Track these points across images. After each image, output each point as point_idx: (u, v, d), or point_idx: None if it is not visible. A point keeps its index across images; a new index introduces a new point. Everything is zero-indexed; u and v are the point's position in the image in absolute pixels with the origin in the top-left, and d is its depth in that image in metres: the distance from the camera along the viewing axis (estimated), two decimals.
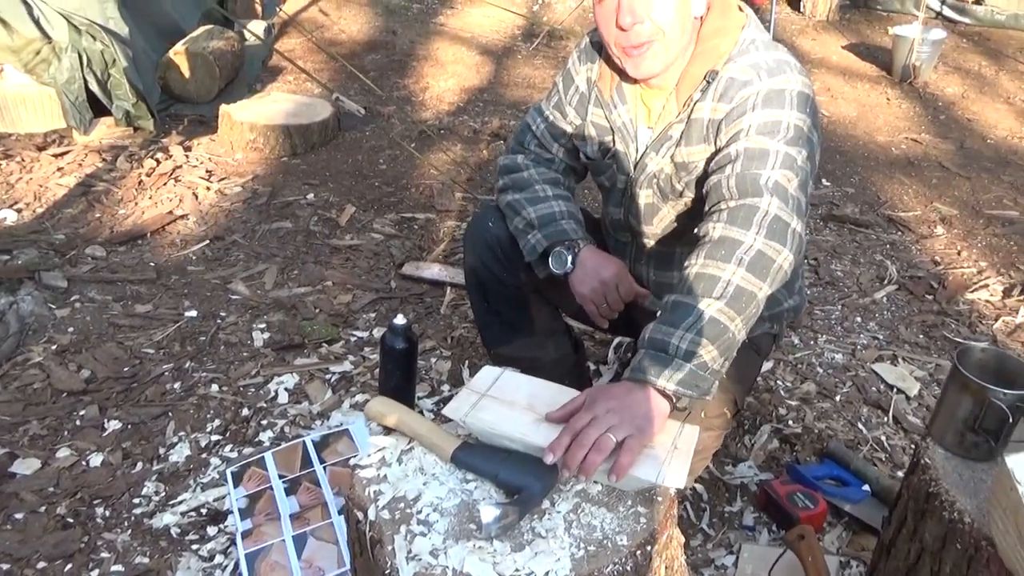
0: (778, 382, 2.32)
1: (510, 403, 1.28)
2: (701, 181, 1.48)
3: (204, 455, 1.95)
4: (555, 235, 1.59)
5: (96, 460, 1.90)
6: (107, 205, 3.08)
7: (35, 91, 3.51)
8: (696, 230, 1.37)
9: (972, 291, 2.89)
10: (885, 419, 2.19)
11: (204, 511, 1.78)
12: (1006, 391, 1.19)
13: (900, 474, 1.99)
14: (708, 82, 1.44)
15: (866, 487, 1.88)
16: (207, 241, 2.90)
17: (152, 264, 2.74)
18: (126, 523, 1.75)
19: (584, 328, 2.20)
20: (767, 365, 2.35)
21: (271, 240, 2.94)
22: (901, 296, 2.85)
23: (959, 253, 3.18)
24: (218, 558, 1.68)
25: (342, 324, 2.48)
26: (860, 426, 2.16)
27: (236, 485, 1.81)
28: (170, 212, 3.06)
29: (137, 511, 1.78)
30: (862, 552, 1.75)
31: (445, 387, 2.22)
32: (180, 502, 1.80)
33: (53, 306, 2.46)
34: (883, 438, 2.12)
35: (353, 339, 2.41)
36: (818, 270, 2.98)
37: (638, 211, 1.61)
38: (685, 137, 1.48)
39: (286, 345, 2.35)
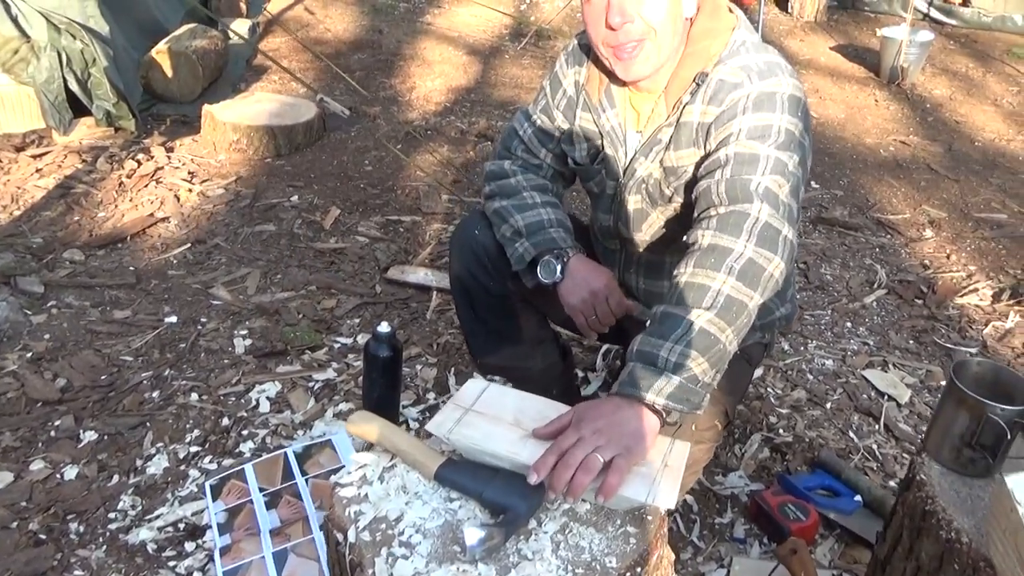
0: (768, 389, 2.29)
1: (496, 418, 1.24)
2: (691, 186, 1.45)
3: (182, 467, 1.89)
4: (543, 243, 1.55)
5: (71, 473, 1.85)
6: (86, 207, 3.02)
7: (13, 91, 3.44)
8: (685, 237, 1.33)
9: (962, 295, 2.87)
10: (876, 427, 2.17)
11: (182, 526, 1.73)
12: (1004, 407, 1.16)
13: (892, 483, 1.97)
14: (698, 84, 1.41)
15: (858, 497, 1.85)
16: (188, 244, 2.84)
17: (132, 268, 2.68)
18: (101, 539, 1.70)
19: (572, 335, 2.17)
20: (757, 372, 2.32)
21: (254, 243, 2.88)
22: (891, 301, 2.83)
23: (948, 257, 3.16)
24: (196, 575, 1.63)
25: (326, 330, 2.43)
26: (851, 434, 2.13)
27: (215, 498, 1.76)
28: (151, 215, 3.00)
29: (112, 526, 1.73)
30: (854, 564, 1.73)
31: (431, 395, 2.18)
32: (157, 517, 1.75)
33: (29, 312, 2.40)
34: (874, 446, 2.09)
35: (337, 346, 2.36)
36: (808, 274, 2.95)
37: (627, 217, 1.58)
38: (674, 141, 1.45)
39: (268, 352, 2.30)
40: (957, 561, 1.12)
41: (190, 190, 3.19)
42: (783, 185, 1.30)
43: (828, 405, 2.24)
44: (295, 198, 3.22)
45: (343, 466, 1.80)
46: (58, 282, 2.56)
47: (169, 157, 3.44)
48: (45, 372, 2.16)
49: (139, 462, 1.90)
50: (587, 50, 1.54)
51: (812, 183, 3.71)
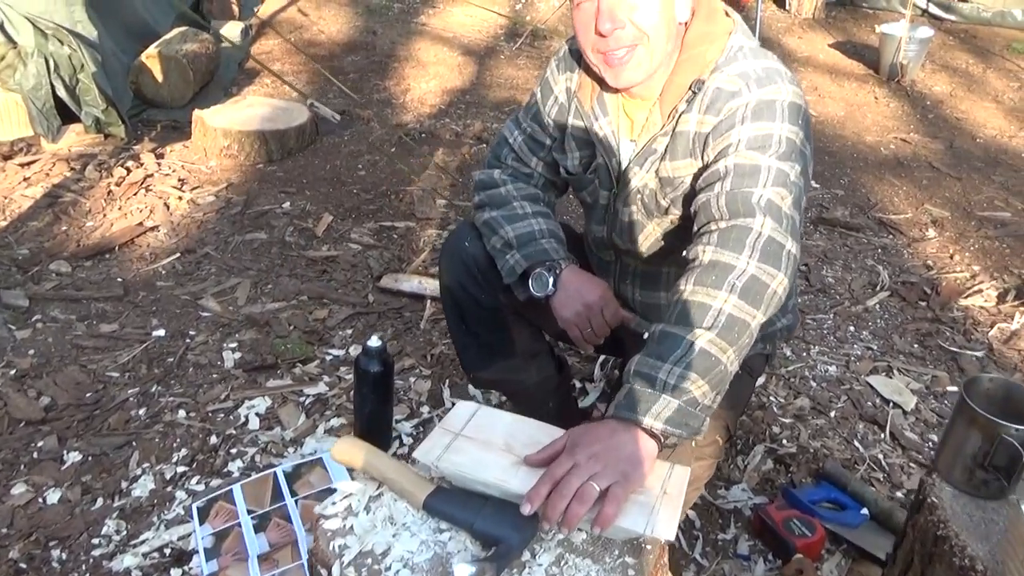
0: (771, 398, 2.24)
1: (486, 443, 1.19)
2: (688, 198, 1.39)
3: (169, 488, 1.84)
4: (535, 255, 1.50)
5: (54, 497, 1.80)
6: (74, 217, 2.96)
7: (1, 98, 3.38)
8: (685, 253, 1.28)
9: (966, 297, 2.82)
10: (882, 436, 2.12)
11: (168, 551, 1.68)
12: (1018, 427, 1.11)
13: (899, 494, 1.92)
14: (694, 92, 1.35)
15: (864, 510, 1.80)
16: (178, 254, 2.79)
17: (119, 280, 2.62)
18: (84, 567, 1.64)
19: (568, 346, 2.11)
20: (759, 380, 2.26)
21: (244, 252, 2.83)
22: (894, 303, 2.78)
23: (952, 257, 3.11)
24: None
25: (317, 342, 2.38)
26: (856, 443, 2.08)
27: (202, 522, 1.71)
28: (140, 224, 2.95)
29: (96, 552, 1.67)
30: None
31: (425, 409, 2.12)
32: (142, 542, 1.69)
33: (13, 327, 2.35)
34: (880, 456, 2.04)
35: (328, 358, 2.31)
36: (809, 276, 2.90)
37: (622, 228, 1.52)
38: (670, 151, 1.39)
39: (258, 366, 2.25)
40: None
41: (180, 198, 3.14)
42: (785, 197, 1.24)
43: (832, 413, 2.19)
44: (287, 204, 3.16)
45: (334, 487, 1.75)
46: (44, 295, 2.50)
47: (159, 164, 3.39)
48: (29, 390, 2.10)
49: (124, 484, 1.84)
50: (578, 56, 1.48)
51: (812, 183, 3.65)
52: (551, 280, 1.49)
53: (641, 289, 1.61)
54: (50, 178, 3.20)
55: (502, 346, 1.70)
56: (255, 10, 5.19)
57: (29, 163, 3.29)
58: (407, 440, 2.01)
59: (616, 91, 1.43)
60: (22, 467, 1.88)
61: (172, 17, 4.36)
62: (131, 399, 2.10)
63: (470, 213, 1.67)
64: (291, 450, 1.96)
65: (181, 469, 1.89)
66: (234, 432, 2.01)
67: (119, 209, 3.03)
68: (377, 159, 3.61)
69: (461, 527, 1.10)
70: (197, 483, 1.86)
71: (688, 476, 1.14)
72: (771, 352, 1.70)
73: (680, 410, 1.11)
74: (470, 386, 2.14)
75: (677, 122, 1.37)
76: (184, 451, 1.94)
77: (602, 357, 2.28)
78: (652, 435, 1.11)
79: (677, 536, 1.74)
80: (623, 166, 1.47)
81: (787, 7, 6.10)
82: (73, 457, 1.91)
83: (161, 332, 2.38)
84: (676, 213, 1.45)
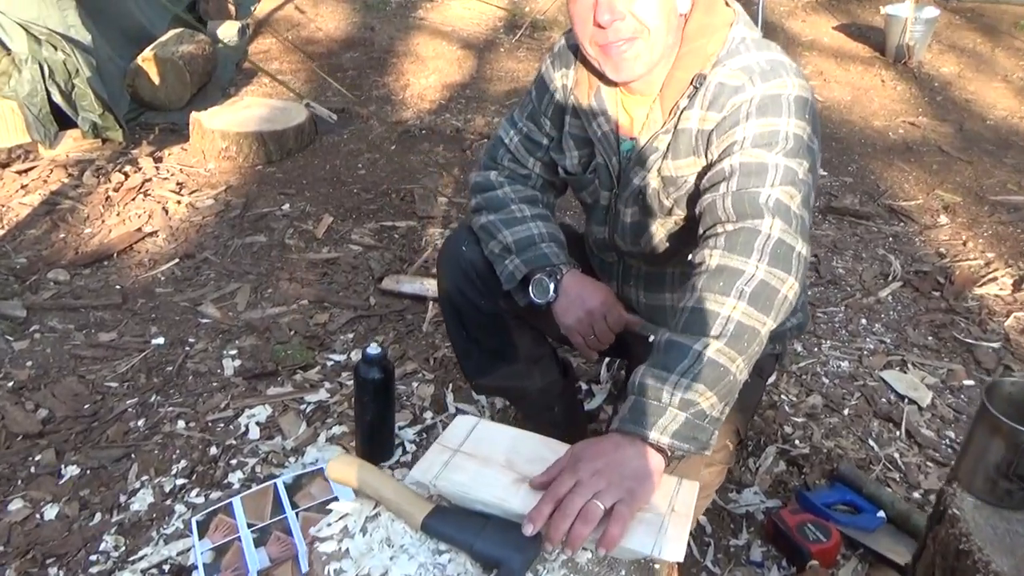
0: (782, 396, 2.18)
1: (486, 460, 1.14)
2: (692, 198, 1.34)
3: (168, 501, 1.81)
4: (535, 260, 1.45)
5: (51, 512, 1.76)
6: (72, 224, 2.93)
7: None
8: (691, 256, 1.23)
9: (980, 285, 2.75)
10: (897, 433, 2.06)
11: (167, 567, 1.64)
12: None
13: (916, 495, 1.87)
14: (696, 87, 1.30)
15: (881, 513, 1.75)
16: (177, 260, 2.75)
17: (118, 287, 2.59)
18: None
19: (571, 351, 2.07)
20: (770, 378, 2.21)
21: (244, 256, 2.79)
22: (907, 294, 2.72)
23: (965, 244, 3.04)
24: None
25: (318, 347, 2.34)
26: (871, 442, 2.03)
27: (201, 536, 1.67)
28: (138, 229, 2.91)
29: (94, 570, 1.64)
30: None
31: (428, 415, 2.08)
32: (141, 558, 1.66)
33: (11, 338, 2.32)
34: (896, 455, 1.99)
35: (330, 364, 2.27)
36: (819, 268, 2.84)
37: (624, 229, 1.47)
38: (672, 149, 1.34)
39: (258, 373, 2.21)
40: None
41: (179, 202, 3.10)
42: (794, 196, 1.19)
43: (845, 411, 2.14)
44: (286, 206, 3.12)
45: (335, 497, 1.71)
46: (41, 305, 2.47)
47: (157, 168, 3.35)
48: (27, 403, 2.07)
49: (123, 498, 1.81)
50: (575, 50, 1.42)
51: (820, 170, 3.58)
52: (552, 286, 1.44)
53: (645, 291, 1.56)
54: (48, 185, 3.16)
55: (504, 352, 1.65)
56: (252, 9, 5.14)
57: (27, 170, 3.26)
58: (410, 447, 1.97)
59: (615, 86, 1.38)
60: (19, 482, 1.85)
61: (168, 19, 4.31)
62: (130, 410, 2.07)
63: (467, 216, 1.62)
64: (292, 460, 1.92)
65: (180, 481, 1.86)
66: (234, 442, 1.97)
67: (117, 215, 3.00)
68: (377, 157, 3.56)
69: (461, 548, 1.05)
70: (197, 496, 1.82)
71: (697, 492, 1.09)
72: (781, 351, 1.65)
73: (687, 423, 1.07)
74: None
75: (679, 119, 1.31)
76: (183, 463, 1.91)
77: (608, 358, 2.23)
78: (659, 449, 1.07)
79: (688, 543, 1.70)
80: (623, 165, 1.41)
81: None
82: (71, 471, 1.88)
83: (160, 340, 2.34)
84: (680, 213, 1.39)
